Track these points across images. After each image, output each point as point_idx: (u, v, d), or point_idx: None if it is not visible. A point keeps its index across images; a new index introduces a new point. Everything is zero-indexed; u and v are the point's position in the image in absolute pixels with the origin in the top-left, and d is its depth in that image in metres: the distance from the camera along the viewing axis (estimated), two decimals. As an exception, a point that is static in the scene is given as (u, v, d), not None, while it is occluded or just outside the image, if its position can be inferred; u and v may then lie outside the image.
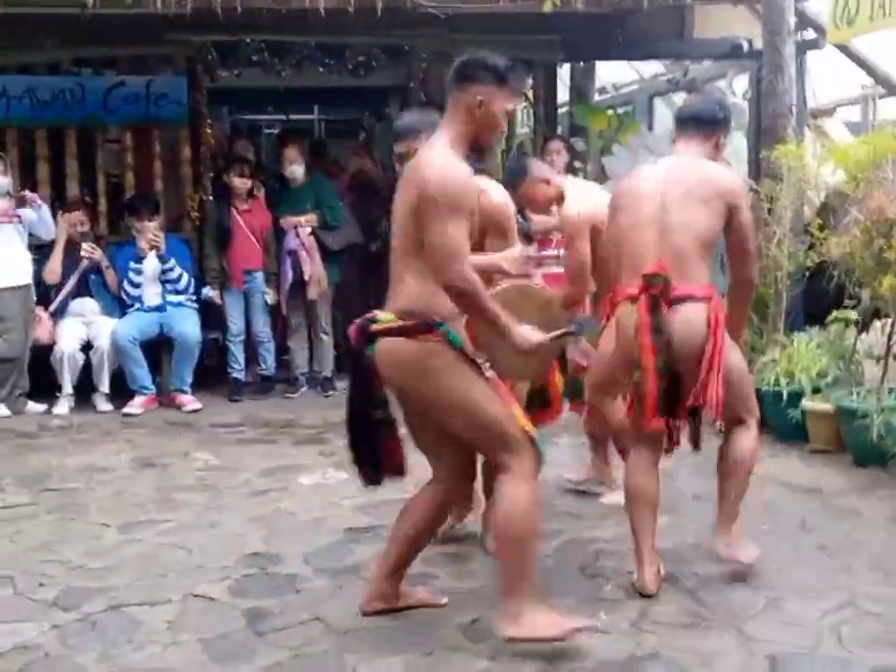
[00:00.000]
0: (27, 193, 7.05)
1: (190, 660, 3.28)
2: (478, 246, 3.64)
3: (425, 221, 3.13)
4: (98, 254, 7.18)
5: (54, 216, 7.22)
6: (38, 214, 7.02)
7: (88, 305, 7.21)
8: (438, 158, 3.19)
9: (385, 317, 3.31)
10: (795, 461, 5.36)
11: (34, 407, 6.96)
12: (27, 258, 7.03)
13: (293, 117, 11.35)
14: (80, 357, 7.01)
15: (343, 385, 7.40)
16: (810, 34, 7.34)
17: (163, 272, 7.16)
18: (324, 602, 3.71)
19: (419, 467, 3.68)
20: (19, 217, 6.96)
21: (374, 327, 3.32)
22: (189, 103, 7.74)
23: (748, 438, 3.97)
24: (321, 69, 7.90)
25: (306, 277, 7.23)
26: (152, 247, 7.10)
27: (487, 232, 3.92)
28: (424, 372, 3.25)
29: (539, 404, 4.03)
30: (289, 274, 7.26)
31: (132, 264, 7.17)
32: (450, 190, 3.12)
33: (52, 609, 3.72)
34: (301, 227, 7.27)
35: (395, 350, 3.28)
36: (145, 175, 7.84)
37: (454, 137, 3.25)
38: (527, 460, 3.26)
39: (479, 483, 3.94)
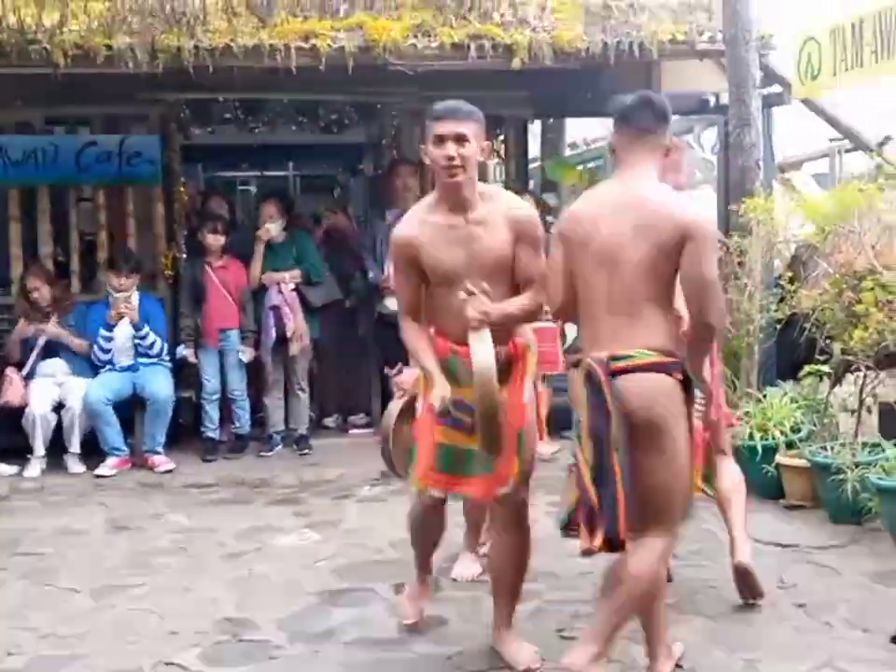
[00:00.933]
0: None
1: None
2: None
3: (695, 260, 3.04)
4: (56, 332, 7.13)
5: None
6: None
7: (58, 365, 7.15)
8: (682, 200, 3.29)
9: (638, 353, 3.11)
10: (771, 517, 5.35)
11: (4, 469, 6.87)
12: None
13: (268, 173, 11.39)
14: (52, 418, 6.94)
15: (317, 443, 7.40)
16: (776, 88, 7.46)
17: (136, 337, 7.12)
18: (299, 669, 3.68)
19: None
20: None
21: (633, 361, 3.11)
22: (163, 160, 7.74)
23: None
24: (294, 126, 7.96)
25: (289, 333, 7.22)
26: (120, 318, 7.08)
27: None
28: (675, 409, 3.15)
29: None
30: (272, 331, 7.24)
31: (102, 331, 7.12)
32: (712, 231, 3.28)
33: (21, 680, 3.65)
34: (285, 283, 7.27)
35: (657, 385, 3.12)
36: (118, 232, 7.82)
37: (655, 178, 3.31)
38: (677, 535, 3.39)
39: None
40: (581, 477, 3.12)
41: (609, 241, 3.17)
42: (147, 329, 7.14)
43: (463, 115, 3.45)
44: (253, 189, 11.80)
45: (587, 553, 3.15)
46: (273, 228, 7.32)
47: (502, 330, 3.44)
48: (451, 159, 3.40)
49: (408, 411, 3.93)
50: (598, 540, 3.08)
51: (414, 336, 3.62)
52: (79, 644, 3.97)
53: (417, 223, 3.55)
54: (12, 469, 6.88)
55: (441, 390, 3.43)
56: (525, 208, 3.64)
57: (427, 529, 3.91)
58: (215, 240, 7.28)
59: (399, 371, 4.72)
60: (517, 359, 3.54)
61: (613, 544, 3.08)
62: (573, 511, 3.21)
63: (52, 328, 7.10)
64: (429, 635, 3.94)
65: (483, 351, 3.28)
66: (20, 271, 7.58)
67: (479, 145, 3.48)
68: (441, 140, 3.43)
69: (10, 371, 7.03)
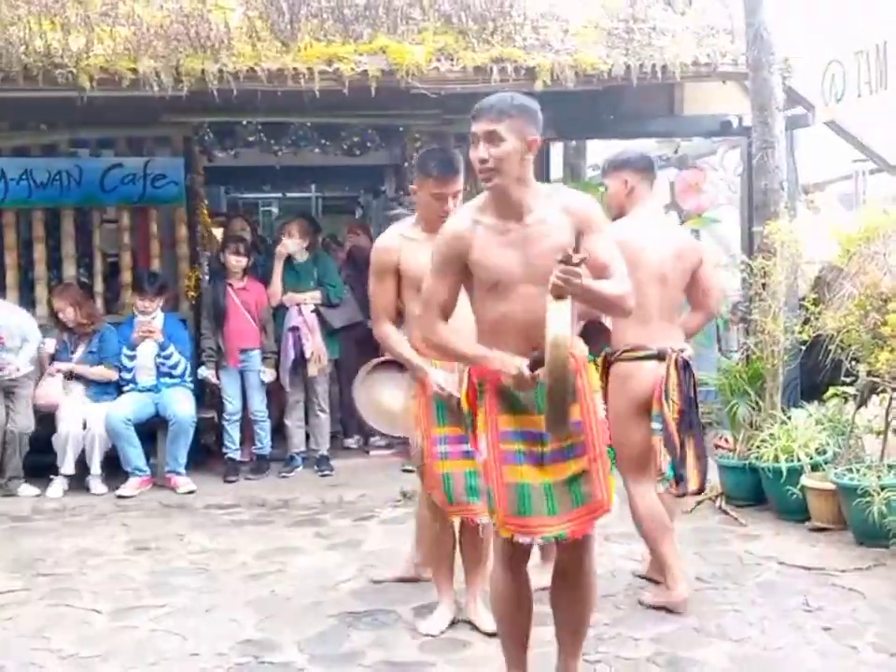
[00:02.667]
0: None
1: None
2: None
3: (712, 274, 4.65)
4: (80, 370, 7.20)
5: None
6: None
7: (80, 387, 7.20)
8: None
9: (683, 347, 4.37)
10: (797, 539, 5.29)
11: (27, 490, 6.90)
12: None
13: (290, 195, 11.46)
14: (81, 437, 6.97)
15: (338, 464, 7.39)
16: (799, 110, 7.45)
17: (160, 356, 7.16)
18: (319, 691, 3.64)
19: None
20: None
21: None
22: (186, 182, 7.80)
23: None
24: (317, 149, 7.97)
25: (307, 354, 7.23)
26: (143, 339, 7.12)
27: None
28: None
29: None
30: (291, 352, 7.26)
31: (125, 350, 7.16)
32: None
33: (43, 701, 3.65)
34: (305, 304, 7.29)
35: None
36: (142, 254, 7.89)
37: None
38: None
39: None
40: (672, 436, 4.22)
41: (661, 262, 4.30)
42: (171, 348, 7.16)
43: (497, 112, 3.13)
44: (275, 210, 11.89)
45: (681, 495, 4.39)
46: (290, 244, 7.33)
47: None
48: (482, 161, 3.13)
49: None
50: (695, 482, 4.32)
51: (454, 334, 3.27)
52: (101, 665, 3.96)
53: (470, 221, 3.23)
54: (34, 490, 6.91)
55: (515, 360, 3.10)
56: (583, 197, 3.31)
57: (512, 592, 3.32)
58: (237, 261, 7.31)
59: None
60: (578, 374, 3.17)
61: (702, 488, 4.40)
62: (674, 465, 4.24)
63: (77, 367, 7.16)
64: (451, 657, 3.91)
65: (560, 320, 2.93)
66: (43, 291, 7.65)
67: (522, 141, 3.13)
68: (474, 141, 3.17)
69: (53, 369, 7.09)
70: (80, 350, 7.24)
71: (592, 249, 3.12)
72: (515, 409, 3.19)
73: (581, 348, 3.29)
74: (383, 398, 4.52)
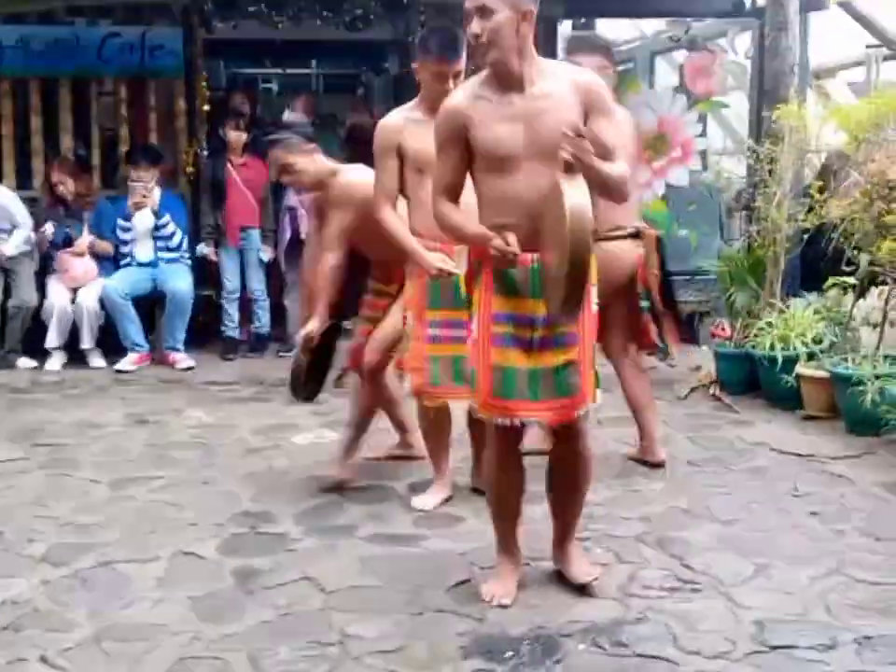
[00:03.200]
0: None
1: (179, 617, 3.28)
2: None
3: None
4: (91, 243, 7.18)
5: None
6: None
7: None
8: None
9: None
10: (789, 426, 5.35)
11: (25, 362, 6.94)
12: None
13: (290, 71, 11.23)
14: (70, 311, 6.98)
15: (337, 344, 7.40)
16: (814, -8, 7.24)
17: (156, 227, 7.10)
18: (314, 562, 3.71)
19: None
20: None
21: None
22: (185, 54, 7.64)
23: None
24: (319, 22, 7.77)
25: (303, 235, 7.17)
26: (139, 208, 7.04)
27: None
28: None
29: None
30: (288, 231, 7.20)
31: (120, 222, 7.11)
32: None
33: (42, 565, 3.72)
34: None
35: None
36: (139, 128, 7.76)
37: None
38: None
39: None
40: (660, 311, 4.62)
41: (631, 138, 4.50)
42: (167, 218, 7.11)
43: None
44: (275, 87, 11.67)
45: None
46: (291, 116, 7.22)
47: None
48: (476, 37, 3.06)
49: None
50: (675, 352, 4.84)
51: (455, 213, 3.23)
52: (99, 532, 4.03)
53: (470, 95, 3.15)
54: (32, 362, 6.95)
55: (503, 237, 3.06)
56: (591, 75, 3.26)
57: (504, 474, 3.36)
58: (237, 136, 7.21)
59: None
60: None
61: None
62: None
63: (86, 238, 7.11)
64: (444, 531, 3.98)
65: (578, 191, 2.84)
66: (40, 164, 7.56)
67: (516, 12, 3.04)
68: (467, 17, 3.08)
69: (63, 253, 7.09)
70: (85, 228, 7.21)
71: (598, 130, 3.05)
72: (510, 292, 3.16)
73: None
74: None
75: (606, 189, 3.12)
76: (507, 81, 3.11)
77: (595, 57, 4.45)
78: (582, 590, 3.38)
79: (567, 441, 3.32)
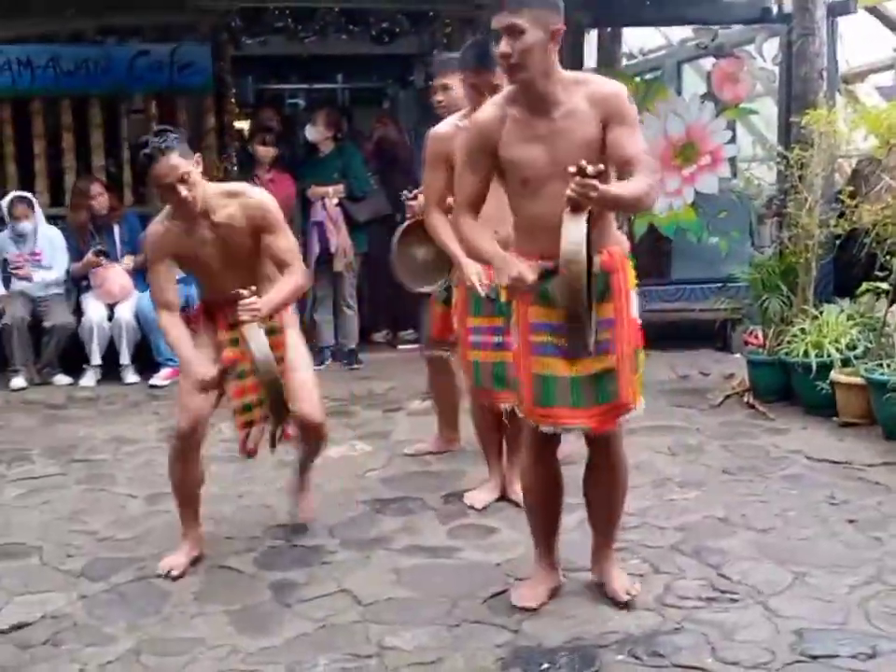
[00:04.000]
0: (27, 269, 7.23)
1: (217, 631, 3.30)
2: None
3: None
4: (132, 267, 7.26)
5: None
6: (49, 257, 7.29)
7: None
8: None
9: None
10: (824, 434, 5.30)
11: (61, 379, 7.01)
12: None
13: (317, 86, 11.27)
14: (107, 328, 7.05)
15: (366, 357, 7.44)
16: (842, -3, 7.20)
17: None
18: (350, 574, 3.72)
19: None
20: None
21: None
22: (214, 71, 7.70)
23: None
24: (345, 36, 7.83)
25: (332, 249, 7.20)
26: None
27: None
28: None
29: None
30: (316, 246, 7.23)
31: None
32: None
33: (80, 580, 3.75)
34: (329, 198, 7.23)
35: None
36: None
37: None
38: None
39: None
40: None
41: None
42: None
43: (516, 2, 3.01)
44: (302, 102, 11.72)
45: None
46: (314, 132, 7.25)
47: (597, 235, 3.03)
48: (506, 56, 3.02)
49: (412, 232, 4.65)
50: None
51: (475, 230, 3.24)
52: (136, 547, 4.06)
53: (498, 113, 3.15)
54: (68, 378, 7.01)
55: (517, 267, 3.03)
56: (611, 83, 3.18)
57: (542, 484, 3.38)
58: (265, 152, 7.26)
59: (415, 197, 4.70)
60: (616, 270, 3.15)
61: None
62: None
63: (127, 263, 7.22)
64: (478, 542, 3.98)
65: (575, 232, 2.85)
66: (72, 181, 7.63)
67: (545, 31, 3.02)
68: (498, 35, 3.06)
69: (123, 267, 7.22)
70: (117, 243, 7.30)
71: (616, 141, 3.04)
72: (546, 301, 3.16)
73: (623, 244, 3.26)
74: (417, 255, 4.77)
75: (627, 209, 3.12)
76: (533, 102, 3.11)
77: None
78: (621, 605, 3.36)
79: (603, 447, 3.31)
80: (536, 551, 3.47)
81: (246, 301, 3.46)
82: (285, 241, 3.79)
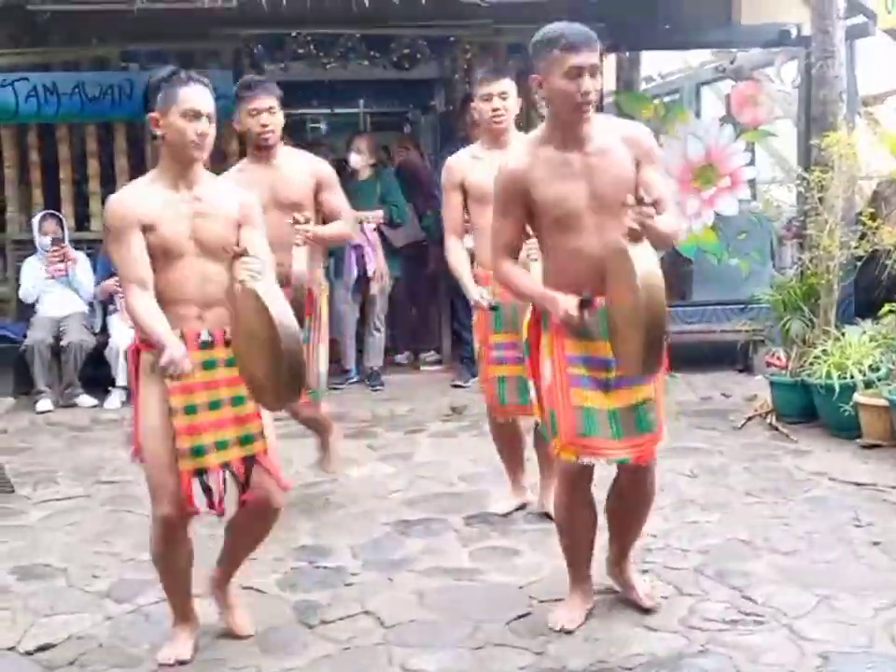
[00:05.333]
0: (67, 250, 7.38)
1: (242, 652, 3.31)
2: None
3: None
4: None
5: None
6: (74, 274, 7.40)
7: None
8: None
9: None
10: (848, 456, 5.28)
11: (86, 400, 7.06)
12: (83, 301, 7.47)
13: (339, 110, 11.37)
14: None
15: (389, 379, 7.46)
16: (860, 19, 7.21)
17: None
18: (373, 595, 3.73)
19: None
20: (65, 272, 7.36)
21: None
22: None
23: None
24: (366, 62, 7.91)
25: (370, 273, 7.25)
26: None
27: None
28: None
29: None
30: (354, 269, 7.27)
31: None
32: None
33: (106, 601, 3.78)
34: (368, 223, 7.28)
35: None
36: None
37: None
38: None
39: None
40: None
41: None
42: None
43: (595, 42, 3.09)
44: (323, 126, 11.82)
45: None
46: (356, 160, 7.30)
47: None
48: (587, 94, 3.07)
49: None
50: None
51: (516, 273, 3.33)
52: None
53: (528, 158, 3.22)
54: (93, 400, 7.06)
55: (565, 302, 3.10)
56: (638, 126, 3.37)
57: (577, 513, 3.38)
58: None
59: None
60: None
61: None
62: None
63: None
64: (501, 565, 3.98)
65: (645, 258, 2.88)
66: (98, 206, 7.72)
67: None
68: (578, 73, 3.05)
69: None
70: None
71: (648, 181, 3.15)
72: (581, 335, 3.18)
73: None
74: None
75: (661, 244, 3.18)
76: (571, 138, 3.18)
77: (270, 98, 4.58)
78: (647, 612, 3.39)
79: (639, 475, 3.34)
80: (570, 574, 3.48)
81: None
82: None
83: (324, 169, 4.65)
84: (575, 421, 3.17)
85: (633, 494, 3.40)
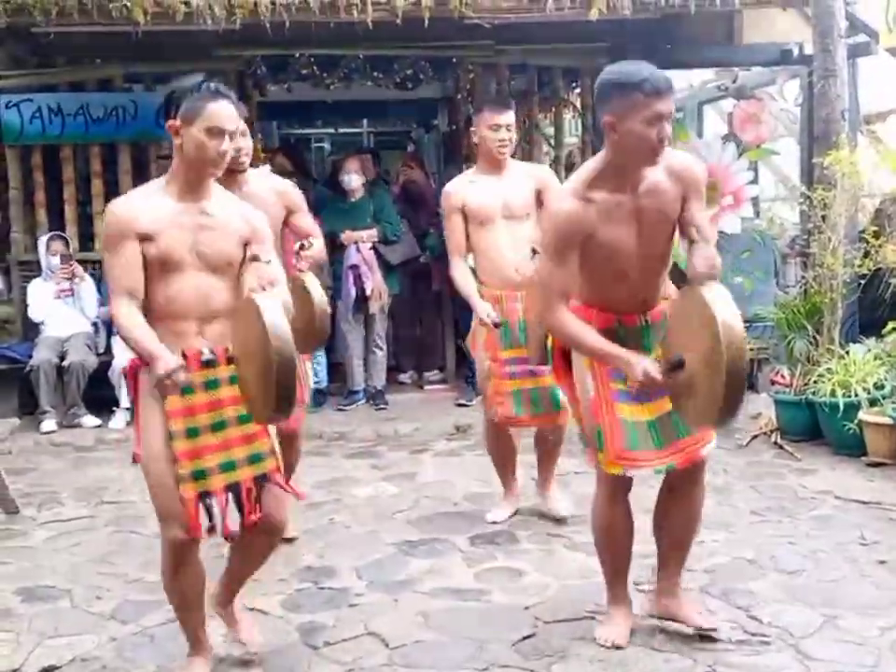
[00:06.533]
0: (76, 268, 7.42)
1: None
2: None
3: None
4: None
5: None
6: (80, 292, 7.43)
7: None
8: None
9: None
10: (853, 474, 5.27)
11: (90, 421, 7.06)
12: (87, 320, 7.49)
13: (342, 130, 11.42)
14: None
15: (393, 398, 7.45)
16: (862, 38, 7.24)
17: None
18: (378, 616, 3.72)
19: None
20: (72, 292, 7.41)
21: None
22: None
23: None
24: (369, 82, 7.95)
25: (368, 292, 7.26)
26: None
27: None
28: None
29: None
30: (352, 290, 7.28)
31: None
32: None
33: (110, 622, 3.77)
34: (363, 242, 7.30)
35: None
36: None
37: None
38: None
39: None
40: None
41: None
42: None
43: (672, 88, 3.08)
44: (327, 146, 11.87)
45: None
46: (353, 181, 7.32)
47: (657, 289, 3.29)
48: (663, 141, 3.02)
49: None
50: None
51: (579, 326, 3.19)
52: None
53: (581, 201, 3.14)
54: (97, 420, 7.07)
55: (643, 366, 3.07)
56: (685, 158, 3.29)
57: (619, 523, 3.39)
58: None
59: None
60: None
61: None
62: None
63: None
64: (506, 585, 3.97)
65: (725, 305, 2.88)
66: (101, 227, 7.72)
67: None
68: (658, 118, 2.99)
69: None
70: None
71: (692, 213, 3.17)
72: (638, 347, 3.21)
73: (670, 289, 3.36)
74: None
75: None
76: (626, 181, 3.14)
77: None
78: (702, 637, 3.34)
79: (686, 480, 3.33)
80: (611, 589, 3.47)
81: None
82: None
83: (291, 191, 4.45)
84: (622, 436, 3.21)
85: (686, 496, 3.36)
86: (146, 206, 3.06)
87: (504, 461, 4.83)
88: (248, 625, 3.47)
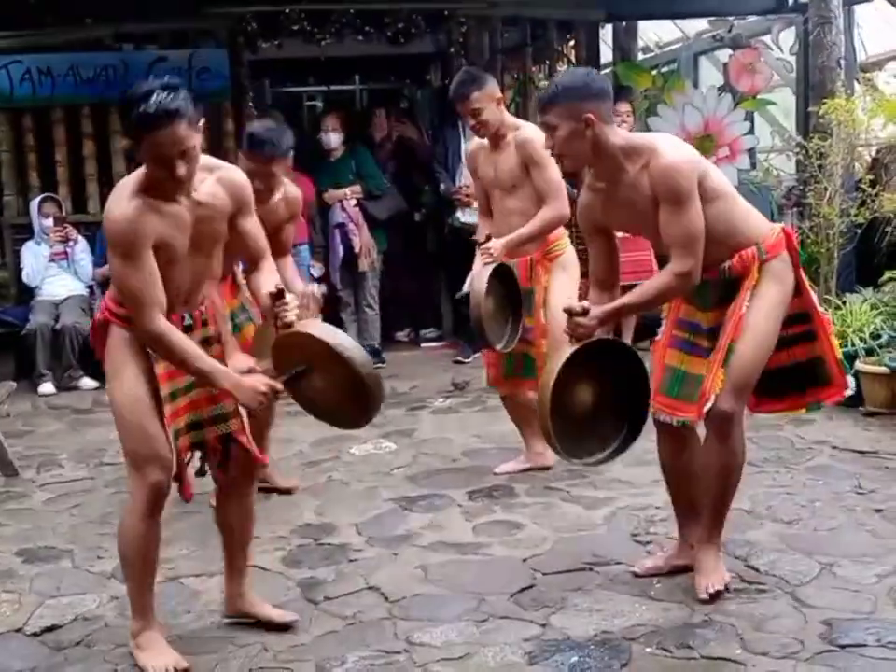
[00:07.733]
0: (69, 230, 7.41)
1: (247, 629, 3.32)
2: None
3: None
4: None
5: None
6: (74, 254, 7.42)
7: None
8: None
9: None
10: (850, 424, 5.29)
11: (87, 383, 7.06)
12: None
13: (334, 87, 11.32)
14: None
15: (389, 356, 7.46)
16: (859, -15, 7.18)
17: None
18: (377, 571, 3.74)
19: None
20: (66, 255, 7.40)
21: None
22: (231, 76, 7.74)
23: None
24: (361, 38, 7.86)
25: (356, 249, 7.23)
26: None
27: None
28: None
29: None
30: (340, 249, 7.25)
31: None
32: None
33: (111, 581, 3.78)
34: (347, 199, 7.26)
35: None
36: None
37: None
38: None
39: None
40: None
41: None
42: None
43: (544, 101, 3.32)
44: (319, 104, 11.78)
45: None
46: (332, 139, 7.27)
47: (725, 245, 3.23)
48: (548, 149, 3.34)
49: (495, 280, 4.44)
50: None
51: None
52: (164, 549, 4.00)
53: (592, 189, 3.38)
54: (94, 383, 7.06)
55: None
56: (668, 159, 3.15)
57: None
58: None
59: (488, 239, 4.55)
60: (745, 275, 3.23)
61: None
62: None
63: None
64: (504, 538, 3.99)
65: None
66: (94, 188, 7.70)
67: (576, 122, 3.19)
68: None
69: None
70: None
71: (664, 221, 3.18)
72: (696, 302, 3.34)
73: (760, 239, 3.27)
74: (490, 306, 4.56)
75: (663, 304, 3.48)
76: (600, 173, 3.32)
77: None
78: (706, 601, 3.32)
79: (712, 430, 3.31)
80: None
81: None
82: (258, 226, 3.25)
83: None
84: (663, 379, 3.39)
85: (712, 448, 3.34)
86: (150, 217, 2.91)
87: (522, 422, 4.86)
88: (270, 606, 3.39)
